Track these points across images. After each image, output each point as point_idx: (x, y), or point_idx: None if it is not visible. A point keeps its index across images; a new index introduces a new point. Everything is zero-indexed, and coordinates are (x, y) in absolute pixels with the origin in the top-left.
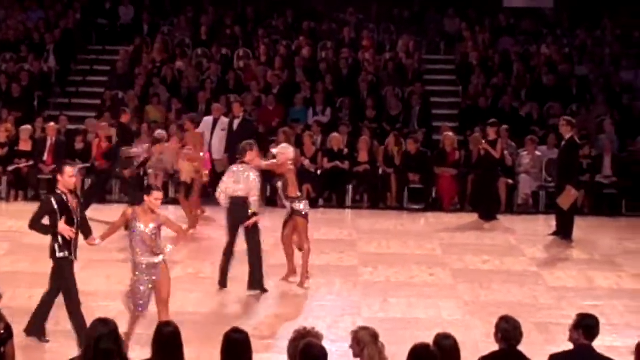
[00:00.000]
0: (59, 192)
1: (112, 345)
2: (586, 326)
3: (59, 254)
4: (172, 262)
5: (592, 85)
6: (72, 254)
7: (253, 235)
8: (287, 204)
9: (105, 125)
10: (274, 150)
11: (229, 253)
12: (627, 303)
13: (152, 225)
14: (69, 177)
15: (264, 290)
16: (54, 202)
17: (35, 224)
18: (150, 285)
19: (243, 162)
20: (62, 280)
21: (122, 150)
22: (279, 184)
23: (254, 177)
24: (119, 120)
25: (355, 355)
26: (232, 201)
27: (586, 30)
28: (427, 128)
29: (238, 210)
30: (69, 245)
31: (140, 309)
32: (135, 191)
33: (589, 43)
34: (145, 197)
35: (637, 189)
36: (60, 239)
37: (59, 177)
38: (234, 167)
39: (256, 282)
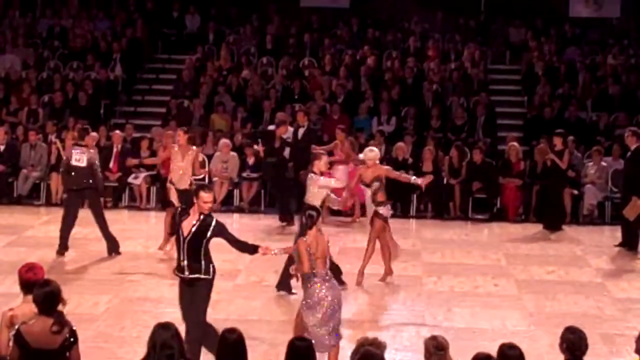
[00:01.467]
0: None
1: (174, 350)
2: None
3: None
4: (235, 270)
5: None
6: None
7: None
8: (373, 206)
9: (171, 134)
10: (361, 156)
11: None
12: None
13: None
14: (203, 202)
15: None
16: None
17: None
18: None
19: (313, 172)
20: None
21: None
22: (375, 184)
23: (316, 189)
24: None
25: None
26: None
27: None
28: (492, 138)
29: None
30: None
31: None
32: None
33: None
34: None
35: None
36: None
37: (194, 199)
38: (310, 175)
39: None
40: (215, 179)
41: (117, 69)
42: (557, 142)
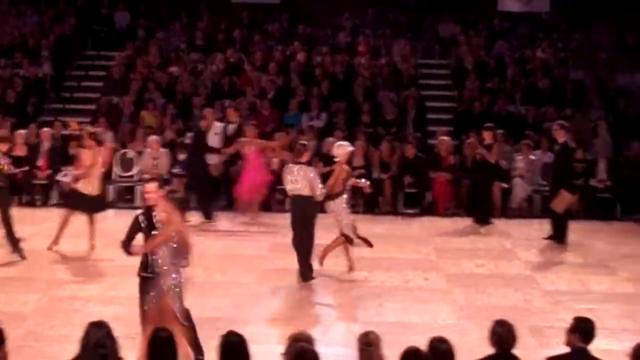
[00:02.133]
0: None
1: (107, 348)
2: (583, 329)
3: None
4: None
5: (587, 90)
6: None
7: (309, 228)
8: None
9: (102, 131)
10: (333, 151)
11: (297, 247)
12: (621, 307)
13: None
14: (145, 193)
15: (307, 280)
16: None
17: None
18: None
19: (300, 163)
20: None
21: None
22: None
23: (312, 173)
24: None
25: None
26: (293, 200)
27: (581, 34)
28: (423, 132)
29: (299, 208)
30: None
31: None
32: None
33: (584, 47)
34: None
35: (631, 193)
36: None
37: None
38: (293, 168)
39: (302, 273)
40: (145, 176)
41: (45, 66)
42: (487, 136)
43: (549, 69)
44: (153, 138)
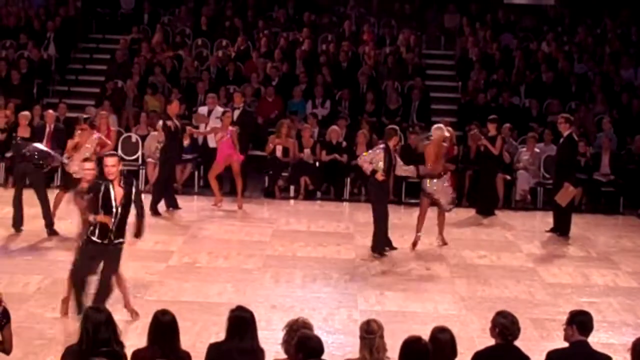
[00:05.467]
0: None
1: (108, 333)
2: (579, 322)
3: None
4: (168, 251)
5: (592, 83)
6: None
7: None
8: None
9: (105, 114)
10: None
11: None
12: (623, 300)
13: None
14: (106, 166)
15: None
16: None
17: None
18: None
19: (384, 144)
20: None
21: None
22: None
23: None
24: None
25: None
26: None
27: (586, 27)
28: (426, 123)
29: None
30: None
31: None
32: None
33: (589, 41)
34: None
35: (634, 187)
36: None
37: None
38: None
39: (377, 244)
40: (148, 159)
41: (50, 48)
42: (491, 128)
43: (553, 62)
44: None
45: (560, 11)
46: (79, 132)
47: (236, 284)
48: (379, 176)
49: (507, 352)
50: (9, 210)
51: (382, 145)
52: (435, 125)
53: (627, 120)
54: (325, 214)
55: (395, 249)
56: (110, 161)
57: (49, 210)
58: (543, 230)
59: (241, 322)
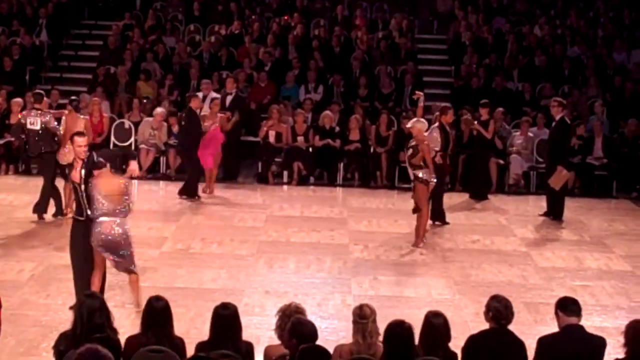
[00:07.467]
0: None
1: (102, 319)
2: (562, 306)
3: None
4: (161, 237)
5: (585, 67)
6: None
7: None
8: (410, 171)
9: (98, 100)
10: (408, 125)
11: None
12: (616, 284)
13: None
14: (77, 146)
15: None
16: None
17: None
18: None
19: (440, 123)
20: None
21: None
22: (409, 152)
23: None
24: (189, 105)
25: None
26: None
27: (579, 11)
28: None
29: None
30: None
31: None
32: None
33: (581, 24)
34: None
35: (627, 171)
36: None
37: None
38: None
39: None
40: (141, 145)
41: (42, 35)
42: (483, 112)
43: (546, 45)
44: (159, 110)
45: None
46: (64, 117)
47: (230, 269)
48: (437, 159)
49: (500, 336)
50: (4, 197)
51: (436, 124)
52: (415, 119)
53: (620, 104)
54: (319, 199)
55: (447, 223)
56: (80, 141)
57: (48, 200)
58: (536, 214)
59: (225, 320)
